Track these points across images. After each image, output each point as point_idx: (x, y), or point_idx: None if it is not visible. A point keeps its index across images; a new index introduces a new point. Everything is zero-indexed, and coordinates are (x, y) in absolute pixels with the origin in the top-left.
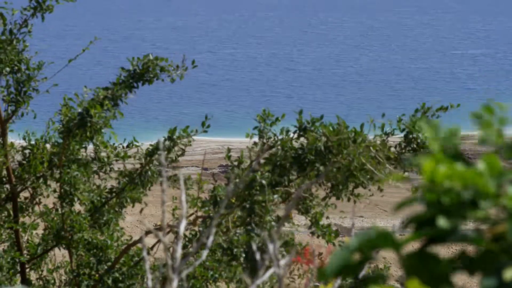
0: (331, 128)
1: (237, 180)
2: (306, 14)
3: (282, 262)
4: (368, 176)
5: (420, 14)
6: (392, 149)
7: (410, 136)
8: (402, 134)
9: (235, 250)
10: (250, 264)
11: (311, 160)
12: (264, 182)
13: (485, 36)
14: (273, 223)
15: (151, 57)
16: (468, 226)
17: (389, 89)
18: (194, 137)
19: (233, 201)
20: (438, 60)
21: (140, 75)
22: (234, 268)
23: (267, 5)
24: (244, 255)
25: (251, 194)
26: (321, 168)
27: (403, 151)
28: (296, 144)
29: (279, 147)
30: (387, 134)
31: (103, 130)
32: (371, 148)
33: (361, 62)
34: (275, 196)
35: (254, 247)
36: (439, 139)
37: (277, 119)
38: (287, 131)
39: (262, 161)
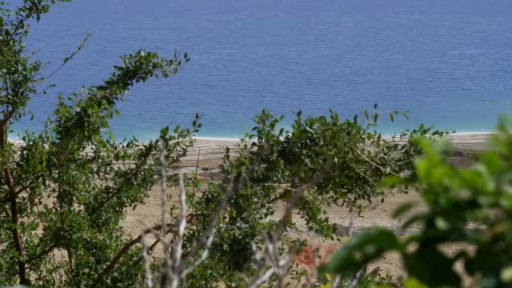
0: (322, 121)
1: (230, 176)
2: (304, 14)
3: (282, 262)
4: (364, 169)
5: (419, 14)
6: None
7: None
8: (403, 150)
9: (224, 246)
10: (234, 257)
11: (296, 153)
12: (245, 176)
13: (483, 36)
14: (257, 216)
15: (143, 54)
16: (469, 226)
17: (386, 90)
18: (194, 138)
19: (223, 196)
20: (436, 60)
21: (133, 72)
22: (223, 264)
23: (265, 5)
24: (229, 249)
25: (237, 188)
26: (307, 160)
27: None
28: (282, 138)
29: (264, 140)
30: (388, 148)
31: (100, 130)
32: (366, 139)
33: (359, 62)
34: (258, 188)
35: (254, 247)
36: (435, 150)
37: (276, 120)
38: (281, 131)
39: (249, 155)
